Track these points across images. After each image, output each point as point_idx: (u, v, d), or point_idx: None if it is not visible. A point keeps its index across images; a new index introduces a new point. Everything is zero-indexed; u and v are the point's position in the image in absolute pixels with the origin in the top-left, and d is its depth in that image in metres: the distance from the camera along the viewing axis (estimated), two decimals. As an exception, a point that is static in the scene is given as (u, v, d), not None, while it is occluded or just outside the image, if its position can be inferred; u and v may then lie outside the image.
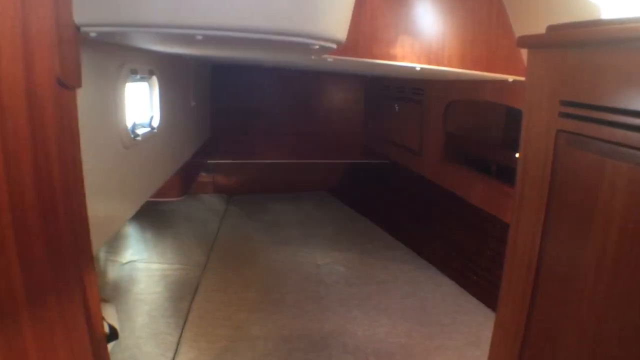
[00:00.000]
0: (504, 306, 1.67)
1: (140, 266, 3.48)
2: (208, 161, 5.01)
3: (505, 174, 2.89)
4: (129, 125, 2.15)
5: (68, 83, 1.34)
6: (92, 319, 1.55)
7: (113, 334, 2.53)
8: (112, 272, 3.34)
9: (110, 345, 2.49)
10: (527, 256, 1.51)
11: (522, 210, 1.54)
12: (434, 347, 2.64)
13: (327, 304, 3.09)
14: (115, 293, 3.04)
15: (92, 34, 1.37)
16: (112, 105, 1.91)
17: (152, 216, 4.47)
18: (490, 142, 3.32)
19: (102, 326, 1.71)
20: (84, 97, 1.62)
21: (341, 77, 5.09)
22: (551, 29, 1.39)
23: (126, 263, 3.50)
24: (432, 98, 3.30)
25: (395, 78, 4.03)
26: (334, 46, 1.47)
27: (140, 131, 2.28)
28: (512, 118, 3.29)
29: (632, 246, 1.05)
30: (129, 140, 2.08)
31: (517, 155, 2.74)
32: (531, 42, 1.43)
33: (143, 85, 2.48)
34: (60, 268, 1.29)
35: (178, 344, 2.62)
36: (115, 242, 3.83)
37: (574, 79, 1.28)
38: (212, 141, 4.88)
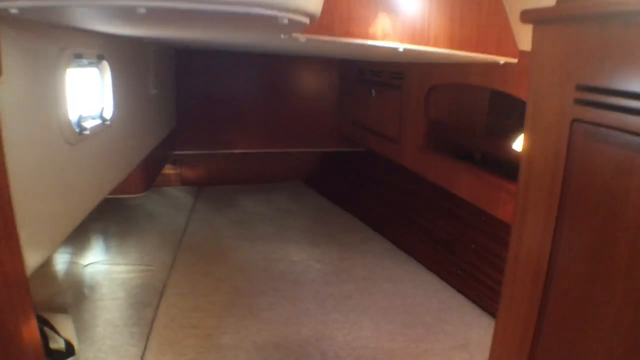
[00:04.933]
0: (504, 319, 1.47)
1: (102, 268, 3.24)
2: (174, 152, 4.72)
3: (490, 163, 2.70)
4: (74, 118, 1.89)
5: (-18, 70, 1.08)
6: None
7: (69, 350, 2.29)
8: (71, 276, 3.11)
9: (68, 361, 2.27)
10: (533, 265, 1.32)
11: (527, 212, 1.34)
12: (419, 352, 2.46)
13: (303, 306, 2.88)
14: (74, 300, 2.80)
15: (13, 11, 1.11)
16: (50, 95, 1.65)
17: (114, 213, 4.22)
18: (474, 129, 3.13)
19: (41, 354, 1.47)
20: (14, 86, 1.37)
21: (314, 61, 4.83)
22: (562, 0, 1.18)
23: (87, 265, 3.27)
24: (413, 82, 3.08)
25: (372, 61, 3.80)
26: (307, 21, 1.23)
27: (88, 124, 2.00)
28: (496, 103, 3.10)
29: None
30: (74, 135, 1.82)
31: (512, 145, 2.56)
32: (538, 17, 1.22)
33: (91, 72, 2.21)
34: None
35: (142, 356, 2.39)
36: (74, 242, 3.57)
37: (594, 60, 1.07)
38: (177, 131, 4.59)
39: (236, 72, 4.78)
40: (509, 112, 2.93)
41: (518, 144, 2.41)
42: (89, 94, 2.17)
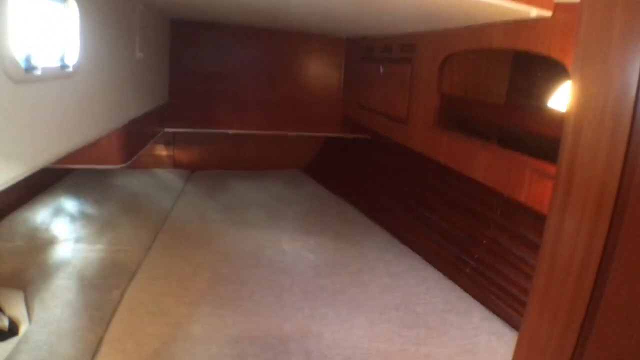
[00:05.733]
0: (532, 334, 1.14)
1: (73, 246, 2.94)
2: (167, 130, 4.39)
3: (510, 144, 2.35)
4: (20, 52, 1.57)
5: None
6: None
7: (12, 330, 1.98)
8: (38, 254, 2.79)
9: (12, 343, 1.95)
10: (576, 269, 0.99)
11: (571, 193, 1.00)
12: (419, 356, 2.12)
13: (289, 298, 2.55)
14: (35, 279, 2.49)
15: None
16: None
17: (96, 191, 3.92)
18: (493, 104, 2.78)
19: None
20: None
21: (319, 40, 4.50)
22: None
23: (57, 243, 2.95)
24: (425, 54, 2.74)
25: (381, 35, 3.47)
26: None
27: (40, 64, 1.68)
28: (519, 76, 2.76)
29: None
30: (18, 71, 1.50)
31: (547, 102, 2.20)
32: None
33: (54, 8, 1.89)
34: None
35: (99, 343, 2.07)
36: (46, 217, 3.26)
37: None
38: (170, 108, 4.28)
39: (236, 48, 4.47)
40: (533, 87, 2.59)
41: (556, 100, 2.07)
42: (49, 33, 1.86)
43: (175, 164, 5.00)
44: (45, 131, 1.77)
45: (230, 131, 4.54)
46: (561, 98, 2.07)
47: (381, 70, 3.41)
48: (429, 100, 2.67)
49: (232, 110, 4.52)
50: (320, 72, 4.62)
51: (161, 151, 4.93)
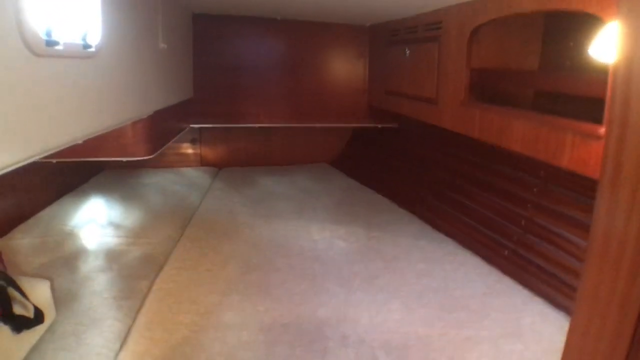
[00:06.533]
0: (583, 324, 1.02)
1: (101, 240, 2.91)
2: (191, 125, 4.35)
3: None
4: (41, 26, 1.52)
5: None
6: None
7: (38, 317, 1.92)
8: (66, 248, 2.75)
9: (38, 331, 1.90)
10: (630, 253, 0.88)
11: (626, 150, 0.90)
12: (461, 339, 2.01)
13: (323, 284, 2.46)
14: (63, 271, 2.45)
15: None
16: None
17: (123, 189, 3.92)
18: (528, 71, 2.64)
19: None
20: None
21: (340, 29, 4.43)
22: None
23: (85, 237, 2.92)
24: (453, 29, 2.63)
25: (406, 17, 3.37)
26: None
27: (62, 40, 1.63)
28: (551, 46, 2.63)
29: None
30: (39, 44, 1.44)
31: (587, 53, 2.06)
32: None
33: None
34: None
35: (128, 332, 2.02)
36: (75, 214, 3.24)
37: None
38: (195, 103, 4.25)
39: (259, 41, 4.42)
40: (566, 58, 2.46)
41: (597, 48, 1.91)
42: (71, 10, 1.81)
43: (203, 162, 4.97)
44: (66, 109, 1.71)
45: (257, 125, 4.48)
46: (599, 57, 1.92)
47: (407, 52, 3.30)
48: (459, 77, 2.56)
49: (257, 104, 4.47)
50: (344, 62, 4.54)
51: (188, 149, 4.90)
